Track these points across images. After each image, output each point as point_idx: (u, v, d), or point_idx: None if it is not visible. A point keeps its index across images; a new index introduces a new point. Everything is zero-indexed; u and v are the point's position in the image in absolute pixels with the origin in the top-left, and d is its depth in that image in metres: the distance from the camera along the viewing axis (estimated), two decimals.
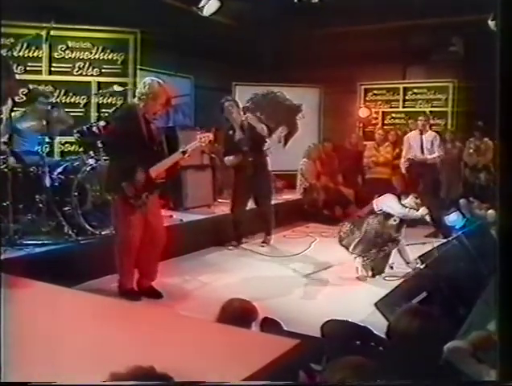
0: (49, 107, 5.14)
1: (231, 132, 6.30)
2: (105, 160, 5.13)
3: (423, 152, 8.02)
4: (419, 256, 4.53)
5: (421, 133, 8.08)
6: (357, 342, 2.83)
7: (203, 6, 7.06)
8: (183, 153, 4.48)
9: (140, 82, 4.56)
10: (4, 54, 5.30)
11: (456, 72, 9.14)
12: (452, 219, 5.56)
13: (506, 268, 1.77)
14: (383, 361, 2.18)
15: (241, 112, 6.50)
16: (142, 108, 4.36)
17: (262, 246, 6.39)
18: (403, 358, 2.28)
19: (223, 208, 7.10)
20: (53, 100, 5.84)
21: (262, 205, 6.43)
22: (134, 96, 4.61)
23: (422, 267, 4.25)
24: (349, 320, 3.19)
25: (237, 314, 2.66)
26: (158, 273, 4.57)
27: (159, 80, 4.52)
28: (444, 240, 4.98)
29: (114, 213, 4.48)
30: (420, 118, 8.27)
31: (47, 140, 5.34)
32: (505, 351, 1.77)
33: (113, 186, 4.40)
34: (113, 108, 6.04)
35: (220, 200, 7.58)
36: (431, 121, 9.18)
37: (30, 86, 5.99)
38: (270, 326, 2.99)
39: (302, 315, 3.97)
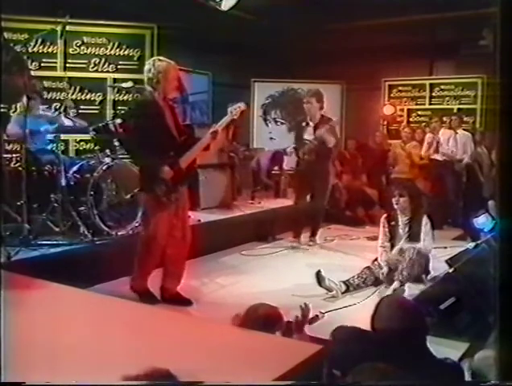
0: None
1: (304, 124, 6.30)
2: (127, 159, 5.07)
3: (437, 152, 8.01)
4: (447, 260, 4.37)
5: (436, 134, 8.08)
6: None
7: (221, 0, 6.93)
8: (214, 133, 4.19)
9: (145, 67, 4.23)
10: (19, 49, 5.23)
11: (485, 67, 8.88)
12: (481, 221, 5.32)
13: (507, 268, 1.79)
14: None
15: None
16: (160, 92, 4.10)
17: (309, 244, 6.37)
18: (387, 351, 2.23)
19: (242, 209, 6.99)
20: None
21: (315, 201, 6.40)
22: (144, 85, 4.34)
23: (450, 271, 4.09)
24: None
25: (262, 321, 2.56)
26: (183, 276, 4.40)
27: (161, 57, 4.28)
28: (473, 244, 4.80)
29: (145, 211, 4.36)
30: (434, 119, 8.30)
31: (61, 137, 5.23)
32: (505, 351, 1.78)
33: (145, 186, 4.20)
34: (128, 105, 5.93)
35: (239, 200, 7.46)
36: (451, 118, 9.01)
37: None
38: (293, 330, 2.85)
39: (323, 320, 3.82)
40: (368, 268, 4.87)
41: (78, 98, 6.52)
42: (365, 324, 2.70)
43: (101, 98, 6.64)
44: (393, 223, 5.04)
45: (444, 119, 8.32)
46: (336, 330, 2.85)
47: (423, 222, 4.91)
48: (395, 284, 4.68)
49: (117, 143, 5.22)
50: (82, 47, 6.55)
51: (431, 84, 9.71)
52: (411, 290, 4.51)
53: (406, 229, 4.94)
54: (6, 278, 2.60)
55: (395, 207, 4.97)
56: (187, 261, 4.42)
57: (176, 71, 4.22)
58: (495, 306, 1.83)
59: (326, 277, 4.65)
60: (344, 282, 4.66)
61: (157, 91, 4.09)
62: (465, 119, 9.30)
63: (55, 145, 5.16)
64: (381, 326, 2.37)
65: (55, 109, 5.81)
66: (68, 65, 6.50)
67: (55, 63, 6.44)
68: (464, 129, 8.35)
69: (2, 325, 1.92)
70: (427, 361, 2.32)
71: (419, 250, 4.79)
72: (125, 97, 6.58)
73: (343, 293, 4.60)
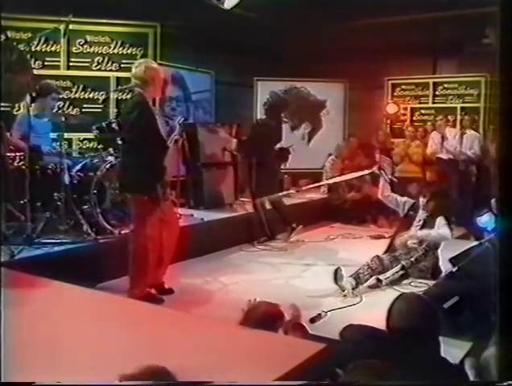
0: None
1: None
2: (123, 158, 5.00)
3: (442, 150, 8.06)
4: (450, 259, 4.36)
5: (440, 132, 8.12)
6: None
7: None
8: None
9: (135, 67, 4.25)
10: (22, 48, 5.23)
11: (489, 66, 8.84)
12: (485, 220, 5.32)
13: (507, 266, 1.80)
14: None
15: None
16: (148, 95, 4.18)
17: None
18: (401, 348, 2.20)
19: (245, 207, 6.99)
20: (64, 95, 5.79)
21: None
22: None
23: (454, 270, 4.09)
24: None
25: (263, 319, 2.56)
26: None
27: (151, 60, 4.42)
28: (476, 242, 4.80)
29: (138, 213, 4.24)
30: (439, 118, 8.33)
31: (64, 136, 5.23)
32: (505, 351, 1.78)
33: (143, 188, 4.17)
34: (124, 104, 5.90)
35: (242, 199, 7.45)
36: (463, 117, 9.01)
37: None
38: (295, 329, 2.88)
39: (327, 319, 3.81)
40: (377, 257, 4.88)
41: (81, 97, 6.54)
42: (367, 322, 2.70)
43: (104, 97, 6.65)
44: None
45: (449, 118, 8.30)
46: (346, 328, 2.86)
47: (437, 221, 5.04)
48: (396, 267, 4.78)
49: (120, 142, 5.18)
50: (85, 46, 6.56)
51: (434, 83, 9.64)
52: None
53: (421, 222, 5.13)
54: (9, 277, 2.60)
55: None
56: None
57: (163, 77, 4.34)
58: (496, 305, 1.82)
59: (345, 276, 4.60)
60: (353, 277, 4.63)
61: (146, 93, 4.17)
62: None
63: (58, 143, 5.16)
64: (397, 323, 2.34)
65: (58, 108, 5.79)
66: (71, 64, 6.51)
67: (59, 61, 6.45)
68: (474, 130, 8.32)
69: (3, 323, 1.92)
70: (438, 360, 2.30)
71: (434, 236, 4.96)
72: (129, 96, 6.56)
73: (353, 289, 4.58)
